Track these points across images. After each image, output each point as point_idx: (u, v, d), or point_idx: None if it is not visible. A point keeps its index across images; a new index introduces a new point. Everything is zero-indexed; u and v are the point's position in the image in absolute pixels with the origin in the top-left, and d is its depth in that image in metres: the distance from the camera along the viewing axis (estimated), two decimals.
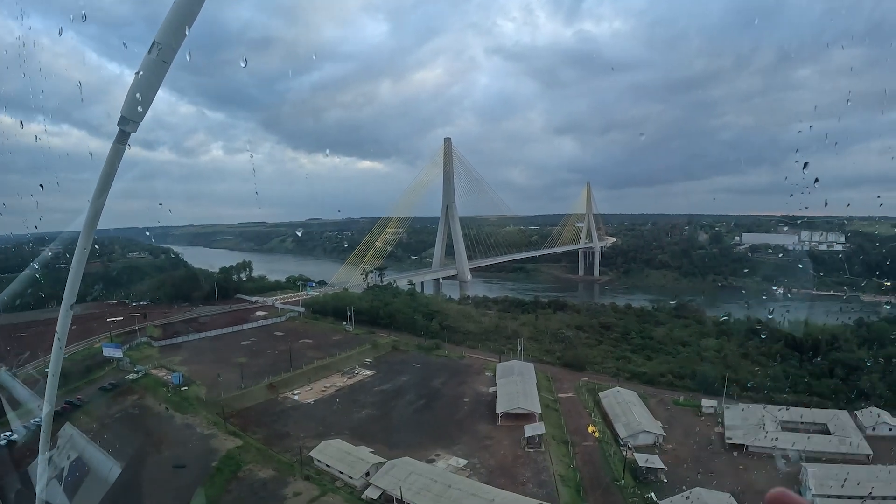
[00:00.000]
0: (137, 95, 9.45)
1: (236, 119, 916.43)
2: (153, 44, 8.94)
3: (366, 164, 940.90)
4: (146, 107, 9.65)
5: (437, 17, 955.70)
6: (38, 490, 15.88)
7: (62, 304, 12.20)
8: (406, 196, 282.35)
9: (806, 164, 25.40)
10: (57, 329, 12.84)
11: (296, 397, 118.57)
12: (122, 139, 9.95)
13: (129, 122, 9.65)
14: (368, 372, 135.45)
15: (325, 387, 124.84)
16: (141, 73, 9.22)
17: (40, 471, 15.64)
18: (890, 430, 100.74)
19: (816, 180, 26.13)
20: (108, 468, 17.81)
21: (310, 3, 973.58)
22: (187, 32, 9.05)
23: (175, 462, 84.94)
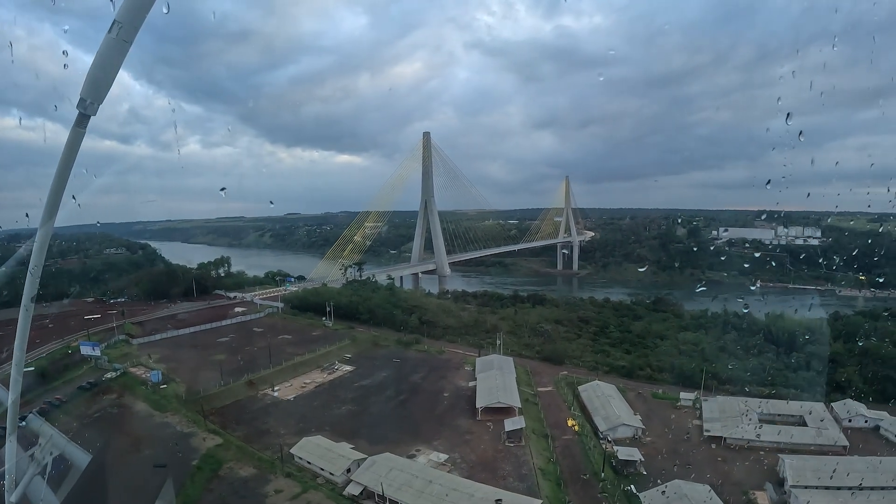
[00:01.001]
0: (97, 76, 9.12)
1: (214, 112, 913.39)
2: (113, 23, 8.60)
3: (344, 158, 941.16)
4: (106, 88, 9.30)
5: (417, 11, 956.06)
6: (6, 481, 15.62)
7: (23, 298, 11.88)
8: (385, 190, 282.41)
9: (789, 115, 25.23)
10: (18, 325, 12.53)
11: (275, 394, 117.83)
12: (81, 122, 9.60)
13: (88, 103, 9.31)
14: (348, 367, 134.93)
15: (304, 383, 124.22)
16: (101, 53, 8.88)
17: (7, 460, 15.38)
18: (865, 421, 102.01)
19: (801, 133, 26.02)
20: (77, 458, 17.65)
21: None
22: (149, 11, 8.75)
23: (155, 462, 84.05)
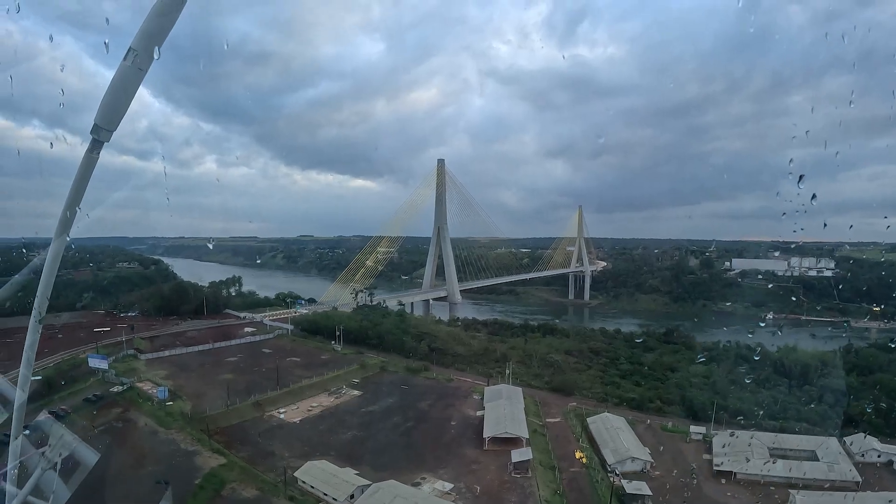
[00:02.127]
0: (112, 103, 9.03)
1: (231, 132, 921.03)
2: (129, 50, 8.50)
3: (359, 182, 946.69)
4: (121, 115, 9.20)
5: (433, 38, 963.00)
6: (7, 477, 15.80)
7: (31, 317, 11.85)
8: (398, 216, 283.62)
9: (801, 178, 25.14)
10: (26, 341, 12.52)
11: (282, 416, 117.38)
12: (94, 148, 9.52)
13: (102, 130, 9.21)
14: (356, 392, 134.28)
15: (311, 406, 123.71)
16: (116, 79, 8.79)
17: (11, 457, 15.51)
18: (879, 456, 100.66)
19: (814, 196, 25.89)
20: (87, 457, 18.32)
21: (308, 19, 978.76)
22: (164, 40, 8.66)
23: (157, 478, 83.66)
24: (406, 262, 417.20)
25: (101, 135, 9.38)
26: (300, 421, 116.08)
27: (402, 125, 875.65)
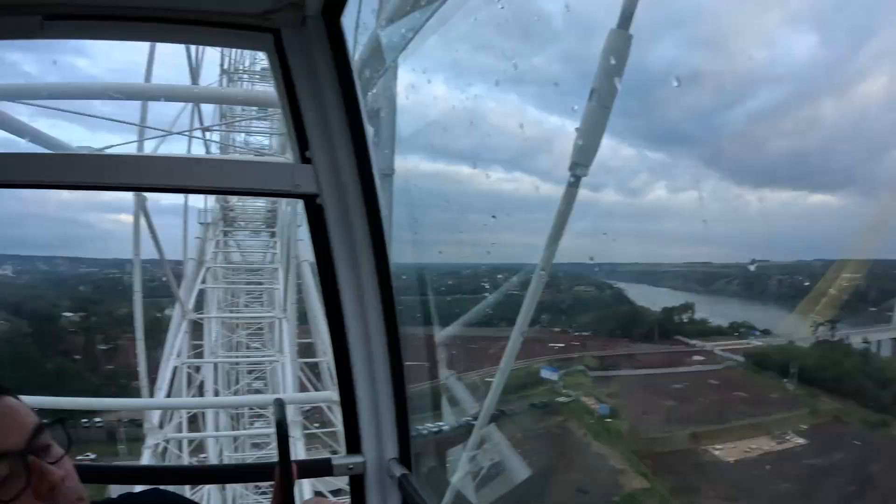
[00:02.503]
0: (583, 142, 10.94)
1: (675, 157, 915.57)
2: (591, 91, 10.24)
3: (817, 197, 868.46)
4: (593, 152, 11.06)
5: (871, 15, 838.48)
6: (456, 471, 18.50)
7: (513, 332, 14.42)
8: (866, 234, 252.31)
9: None
10: (506, 351, 15.19)
11: (716, 453, 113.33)
12: (574, 184, 11.51)
13: (578, 166, 11.15)
14: (800, 441, 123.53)
15: (749, 448, 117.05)
16: (584, 120, 10.67)
17: (470, 447, 18.13)
18: None
19: None
20: (516, 471, 19.89)
21: (727, 30, 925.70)
22: (621, 75, 10.24)
23: (579, 486, 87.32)
24: (874, 290, 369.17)
25: (577, 170, 11.37)
26: (734, 461, 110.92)
27: (857, 125, 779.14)
